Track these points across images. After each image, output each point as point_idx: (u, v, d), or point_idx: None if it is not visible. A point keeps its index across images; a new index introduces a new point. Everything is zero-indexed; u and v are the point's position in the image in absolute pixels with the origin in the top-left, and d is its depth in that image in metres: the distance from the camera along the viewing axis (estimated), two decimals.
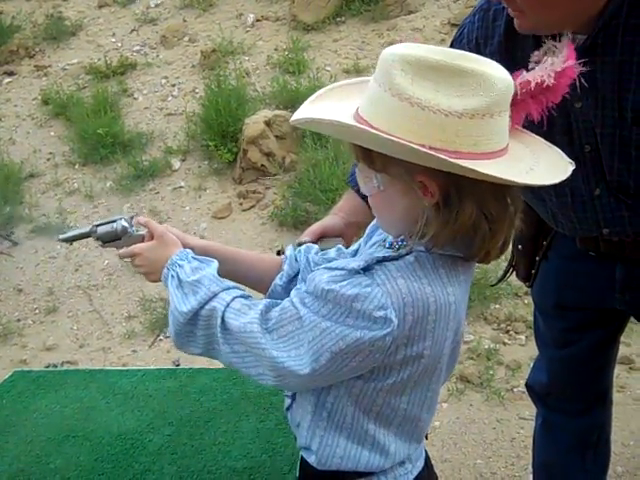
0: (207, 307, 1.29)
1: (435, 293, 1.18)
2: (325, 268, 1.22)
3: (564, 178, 1.19)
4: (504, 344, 3.53)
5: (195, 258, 1.40)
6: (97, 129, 5.48)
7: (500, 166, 1.11)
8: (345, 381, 1.26)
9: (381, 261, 1.19)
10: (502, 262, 2.08)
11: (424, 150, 1.08)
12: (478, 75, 1.09)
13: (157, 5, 6.92)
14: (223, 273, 1.40)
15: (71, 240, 1.66)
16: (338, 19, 6.24)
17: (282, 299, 1.27)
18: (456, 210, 1.15)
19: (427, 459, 1.46)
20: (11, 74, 6.54)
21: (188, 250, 1.43)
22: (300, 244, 1.60)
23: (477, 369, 3.38)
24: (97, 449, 2.07)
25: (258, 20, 6.49)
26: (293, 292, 1.26)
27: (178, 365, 3.58)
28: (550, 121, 1.31)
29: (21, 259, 4.82)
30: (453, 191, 1.14)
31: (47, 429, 2.18)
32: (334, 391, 1.28)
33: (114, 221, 1.59)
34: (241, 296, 1.32)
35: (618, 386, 3.17)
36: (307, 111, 1.23)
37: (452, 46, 1.78)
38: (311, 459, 1.36)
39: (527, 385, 2.26)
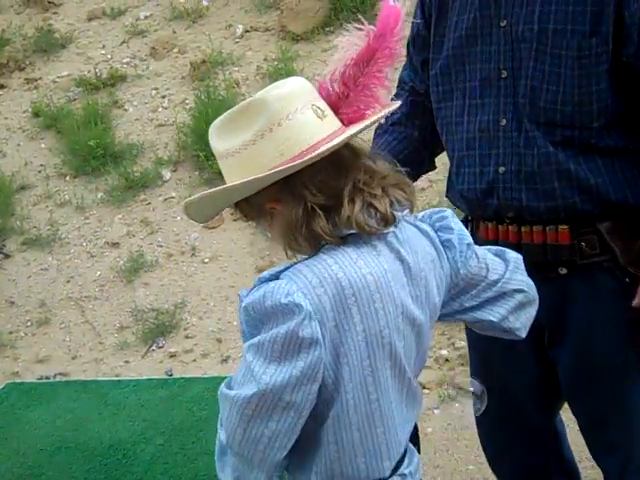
0: None
1: (343, 269, 1.25)
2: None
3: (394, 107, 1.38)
4: None
5: None
6: (88, 141, 5.47)
7: (317, 151, 1.26)
8: (315, 416, 1.28)
9: (289, 267, 1.29)
10: None
11: (240, 182, 1.28)
12: (254, 104, 1.30)
13: (146, 17, 6.94)
14: None
15: None
16: (327, 29, 6.26)
17: None
18: (293, 207, 1.29)
19: None
20: (1, 87, 6.54)
21: None
22: None
23: (468, 375, 3.38)
24: (89, 459, 2.08)
25: (247, 31, 6.50)
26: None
27: (170, 375, 3.58)
28: (469, 54, 1.69)
29: (13, 271, 4.82)
30: (288, 195, 1.30)
31: (40, 440, 2.19)
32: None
33: None
34: None
35: None
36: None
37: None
38: None
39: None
